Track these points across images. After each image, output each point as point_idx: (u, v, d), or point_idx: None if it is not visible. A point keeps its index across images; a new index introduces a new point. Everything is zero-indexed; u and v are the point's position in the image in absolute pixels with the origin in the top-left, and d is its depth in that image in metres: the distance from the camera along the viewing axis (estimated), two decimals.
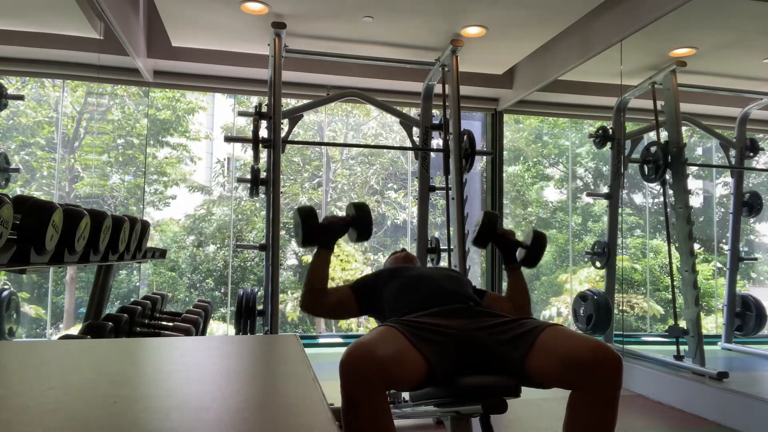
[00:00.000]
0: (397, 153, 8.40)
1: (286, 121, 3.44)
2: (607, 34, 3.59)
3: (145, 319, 2.31)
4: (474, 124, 5.64)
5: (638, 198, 7.44)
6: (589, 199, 8.27)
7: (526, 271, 2.18)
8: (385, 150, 8.45)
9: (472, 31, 3.79)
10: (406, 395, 2.49)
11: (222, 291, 8.00)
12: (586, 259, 7.29)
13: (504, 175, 5.44)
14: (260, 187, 3.37)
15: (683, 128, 3.81)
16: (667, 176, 3.79)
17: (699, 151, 6.26)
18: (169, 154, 8.19)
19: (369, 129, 8.85)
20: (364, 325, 7.55)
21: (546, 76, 4.34)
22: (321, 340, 5.59)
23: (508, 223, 7.91)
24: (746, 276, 5.34)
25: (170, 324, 2.40)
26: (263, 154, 3.41)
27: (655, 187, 5.78)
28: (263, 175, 3.39)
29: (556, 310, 7.82)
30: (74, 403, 0.71)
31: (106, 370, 0.94)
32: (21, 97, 4.87)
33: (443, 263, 3.75)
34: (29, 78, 5.42)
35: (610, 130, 4.30)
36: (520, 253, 2.15)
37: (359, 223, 2.11)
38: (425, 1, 3.40)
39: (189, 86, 5.13)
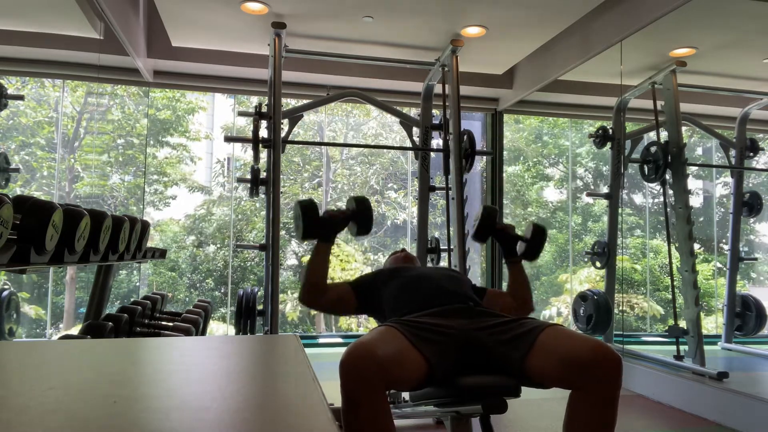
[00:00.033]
0: (397, 153, 8.40)
1: (286, 121, 3.44)
2: (607, 34, 3.59)
3: (145, 319, 2.31)
4: (474, 124, 5.64)
5: (638, 198, 7.44)
6: (589, 199, 8.27)
7: (526, 269, 2.18)
8: (385, 150, 8.45)
9: (472, 31, 3.79)
10: (406, 395, 2.48)
11: (222, 291, 8.00)
12: (586, 259, 7.29)
13: (504, 175, 5.44)
14: (260, 187, 3.37)
15: (683, 128, 3.81)
16: (667, 176, 3.79)
17: (699, 151, 6.26)
18: (169, 154, 8.20)
19: (369, 129, 8.85)
20: (364, 325, 7.55)
21: (546, 76, 4.34)
22: (321, 340, 5.59)
23: (508, 223, 7.90)
24: (746, 276, 5.34)
25: (170, 324, 2.40)
26: (263, 154, 3.41)
27: (655, 187, 5.78)
28: (263, 175, 3.39)
29: (556, 310, 7.82)
30: (74, 403, 0.71)
31: (106, 370, 0.94)
32: (21, 97, 4.87)
33: (443, 263, 3.75)
34: (29, 78, 5.42)
35: (610, 130, 4.30)
36: (520, 247, 2.14)
37: (360, 216, 2.10)
38: (425, 1, 3.40)
39: (189, 86, 5.13)
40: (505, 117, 5.46)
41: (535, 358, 1.55)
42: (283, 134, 3.34)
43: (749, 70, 4.22)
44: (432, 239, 3.88)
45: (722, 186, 6.27)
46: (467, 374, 1.59)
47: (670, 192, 3.82)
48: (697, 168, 6.48)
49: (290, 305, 7.67)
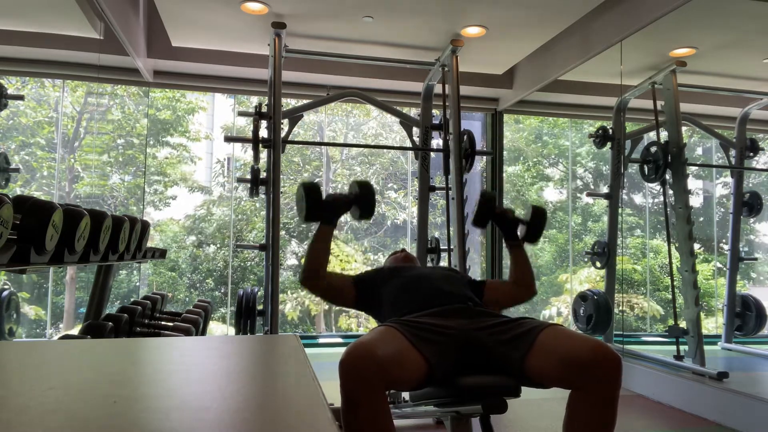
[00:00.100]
0: (397, 153, 8.40)
1: (286, 121, 3.44)
2: (607, 34, 3.59)
3: (145, 319, 2.31)
4: (474, 124, 5.64)
5: (638, 198, 7.44)
6: (589, 199, 8.27)
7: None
8: (385, 150, 8.44)
9: (472, 31, 3.79)
10: (406, 395, 2.48)
11: (222, 291, 8.00)
12: (586, 259, 7.29)
13: (504, 175, 5.44)
14: (260, 187, 3.37)
15: (683, 128, 3.81)
16: (667, 176, 3.79)
17: (699, 151, 6.26)
18: (169, 154, 8.19)
19: (369, 129, 8.85)
20: (364, 326, 7.55)
21: (546, 76, 4.34)
22: (321, 340, 5.59)
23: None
24: (746, 276, 5.34)
25: (170, 324, 2.40)
26: (263, 154, 3.41)
27: (655, 187, 5.78)
28: (263, 175, 3.39)
29: (556, 310, 7.82)
30: (74, 403, 0.71)
31: (106, 370, 0.94)
32: (21, 97, 4.87)
33: (443, 263, 3.75)
34: (29, 78, 5.42)
35: (610, 130, 4.30)
36: (520, 230, 2.13)
37: (362, 200, 2.09)
38: (425, 1, 3.40)
39: (189, 86, 5.13)
40: (505, 117, 5.46)
41: (534, 358, 1.55)
42: (283, 134, 3.34)
43: (749, 70, 4.22)
44: (432, 239, 3.88)
45: (722, 186, 6.27)
46: (467, 374, 1.59)
47: (670, 192, 3.82)
48: (697, 168, 6.48)
49: (290, 305, 7.67)
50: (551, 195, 8.82)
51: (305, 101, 4.17)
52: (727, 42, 3.80)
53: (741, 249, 4.65)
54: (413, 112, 4.75)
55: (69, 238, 1.48)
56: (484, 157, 5.43)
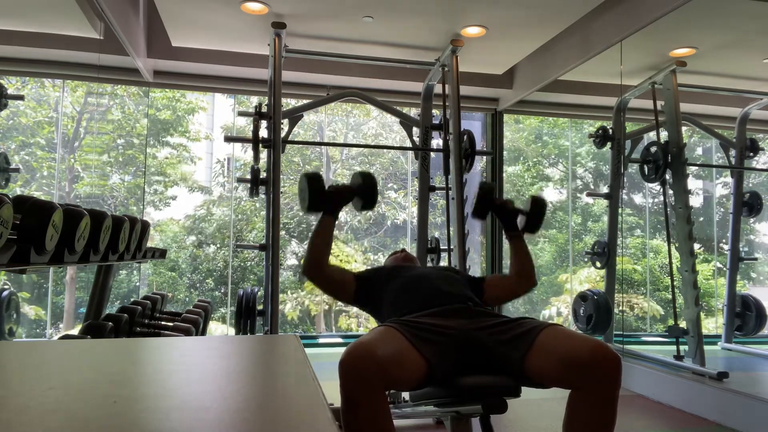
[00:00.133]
0: (397, 153, 8.40)
1: (286, 121, 3.44)
2: (607, 34, 3.59)
3: (145, 319, 2.32)
4: (474, 124, 5.64)
5: (638, 198, 7.44)
6: (589, 199, 8.27)
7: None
8: (385, 150, 8.44)
9: (472, 31, 3.79)
10: (406, 395, 2.48)
11: (222, 291, 8.00)
12: (586, 259, 7.29)
13: (504, 175, 5.44)
14: (260, 187, 3.37)
15: (683, 128, 3.81)
16: (667, 176, 3.79)
17: (699, 151, 6.26)
18: (169, 154, 8.19)
19: (369, 129, 8.85)
20: (364, 326, 7.55)
21: (546, 76, 4.34)
22: (321, 340, 5.59)
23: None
24: (746, 276, 5.34)
25: (170, 324, 2.40)
26: (263, 154, 3.41)
27: (655, 187, 5.78)
28: (263, 175, 3.39)
29: (556, 310, 7.82)
30: (74, 403, 0.71)
31: (106, 370, 0.94)
32: (21, 97, 4.87)
33: (443, 263, 3.75)
34: (29, 78, 5.42)
35: (610, 130, 4.30)
36: (520, 221, 2.13)
37: (365, 192, 2.09)
38: (425, 1, 3.40)
39: (189, 86, 5.13)
40: (505, 117, 5.46)
41: (534, 358, 1.55)
42: (283, 134, 3.35)
43: (749, 70, 4.22)
44: (432, 239, 3.88)
45: (722, 186, 6.27)
46: (467, 374, 1.59)
47: (670, 192, 3.82)
48: (697, 168, 6.48)
49: (290, 305, 7.67)
50: (551, 195, 8.82)
51: (305, 101, 4.17)
52: (727, 42, 3.80)
53: (741, 249, 4.65)
54: (413, 112, 4.75)
55: (69, 238, 1.48)
56: (484, 157, 5.43)
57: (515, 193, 8.37)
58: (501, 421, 2.71)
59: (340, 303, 6.38)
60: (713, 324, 5.23)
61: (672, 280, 3.81)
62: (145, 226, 2.40)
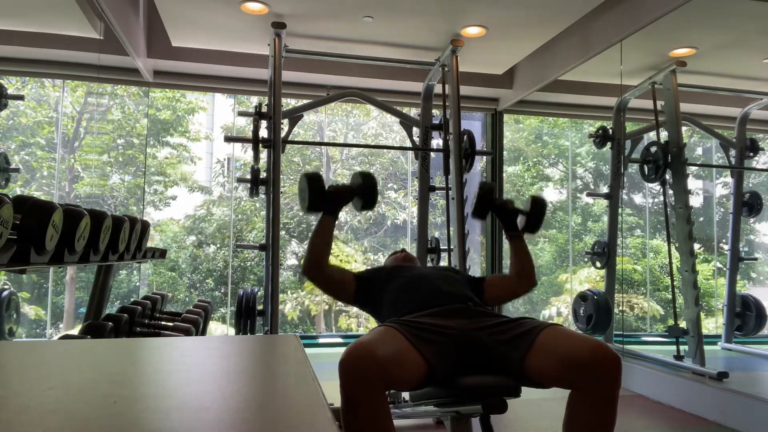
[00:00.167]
0: (397, 153, 8.40)
1: (286, 121, 3.44)
2: (607, 34, 3.59)
3: (145, 319, 2.32)
4: (474, 124, 5.64)
5: (638, 198, 7.44)
6: (589, 199, 8.27)
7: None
8: (385, 150, 8.45)
9: (472, 31, 3.79)
10: (406, 395, 2.49)
11: (222, 291, 8.00)
12: (586, 259, 7.29)
13: (504, 175, 5.44)
14: (260, 187, 3.37)
15: (683, 128, 3.81)
16: (667, 176, 3.79)
17: (699, 151, 6.26)
18: (169, 154, 8.19)
19: (369, 129, 8.85)
20: (364, 325, 7.55)
21: (546, 76, 4.34)
22: (321, 340, 5.59)
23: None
24: (746, 276, 5.34)
25: (170, 324, 2.40)
26: (263, 154, 3.41)
27: (655, 187, 5.78)
28: (263, 175, 3.39)
29: (556, 310, 7.82)
30: (74, 403, 0.71)
31: (106, 370, 0.94)
32: (21, 97, 4.87)
33: (443, 263, 3.75)
34: (29, 78, 5.42)
35: (610, 130, 4.30)
36: (520, 221, 2.13)
37: (365, 192, 2.09)
38: (425, 1, 3.40)
39: (189, 86, 5.13)
40: (505, 117, 5.46)
41: (534, 358, 1.55)
42: (283, 134, 3.35)
43: (749, 70, 4.23)
44: (432, 239, 3.88)
45: (722, 186, 6.27)
46: (467, 374, 1.59)
47: (670, 192, 3.82)
48: (697, 168, 6.48)
49: (290, 305, 7.67)
50: (551, 195, 8.82)
51: (305, 101, 4.17)
52: (727, 42, 3.80)
53: (741, 249, 4.65)
54: (413, 112, 4.75)
55: (69, 238, 1.48)
56: (484, 157, 5.43)
57: (515, 193, 8.37)
58: (501, 421, 2.71)
59: (340, 303, 6.39)
60: (713, 324, 5.23)
61: (672, 280, 3.81)
62: (145, 226, 2.40)
